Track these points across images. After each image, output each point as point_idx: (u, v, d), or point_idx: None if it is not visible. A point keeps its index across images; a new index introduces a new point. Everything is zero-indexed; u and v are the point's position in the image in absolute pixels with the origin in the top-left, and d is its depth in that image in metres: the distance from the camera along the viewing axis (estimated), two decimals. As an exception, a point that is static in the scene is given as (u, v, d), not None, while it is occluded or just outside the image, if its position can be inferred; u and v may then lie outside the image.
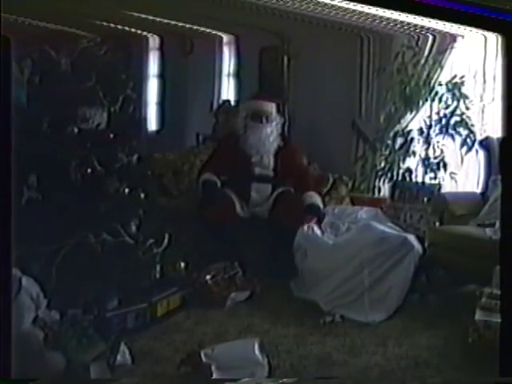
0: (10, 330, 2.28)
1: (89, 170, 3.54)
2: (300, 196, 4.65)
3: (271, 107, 4.80)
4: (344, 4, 4.20)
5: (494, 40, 4.90)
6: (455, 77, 4.94)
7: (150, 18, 6.23)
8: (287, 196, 4.66)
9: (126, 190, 3.66)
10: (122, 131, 3.73)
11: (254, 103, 4.89)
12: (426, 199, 4.75)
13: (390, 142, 5.27)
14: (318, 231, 4.33)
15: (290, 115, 6.02)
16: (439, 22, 4.28)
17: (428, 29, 4.80)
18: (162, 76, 8.13)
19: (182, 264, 3.98)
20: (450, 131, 4.91)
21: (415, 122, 5.23)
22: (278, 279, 4.26)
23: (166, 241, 3.78)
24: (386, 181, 5.34)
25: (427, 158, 5.01)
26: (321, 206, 4.61)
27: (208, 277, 4.02)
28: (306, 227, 4.31)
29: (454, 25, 4.38)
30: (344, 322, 3.69)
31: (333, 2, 4.22)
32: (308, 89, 6.00)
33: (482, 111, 5.04)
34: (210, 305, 3.87)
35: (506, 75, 2.60)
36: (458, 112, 4.88)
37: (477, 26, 3.63)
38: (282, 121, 4.89)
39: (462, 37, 5.01)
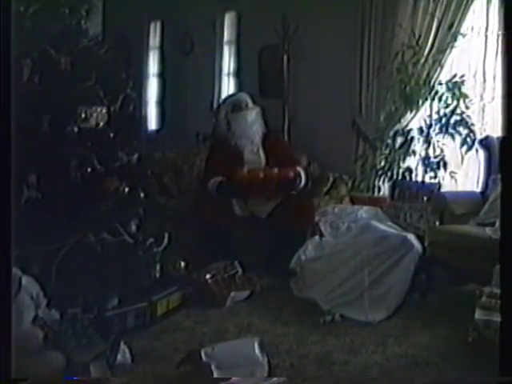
0: (10, 330, 2.27)
1: (89, 170, 3.54)
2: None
3: (245, 97, 4.94)
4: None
5: (494, 39, 4.92)
6: (455, 76, 4.93)
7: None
8: (295, 199, 4.67)
9: (126, 190, 3.66)
10: (122, 130, 3.73)
11: (229, 99, 5.08)
12: (425, 198, 4.74)
13: (389, 141, 5.27)
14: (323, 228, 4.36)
15: (290, 114, 6.03)
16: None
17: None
18: (161, 75, 8.13)
19: (182, 263, 3.99)
20: (450, 130, 4.90)
21: (415, 121, 5.22)
22: (279, 278, 4.28)
23: (165, 240, 3.78)
24: (386, 180, 5.33)
25: (427, 157, 5.01)
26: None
27: (208, 276, 4.02)
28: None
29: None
30: (344, 321, 3.69)
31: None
32: (308, 88, 6.00)
33: (482, 110, 5.04)
34: (210, 304, 3.87)
35: (506, 74, 2.59)
36: (458, 111, 4.88)
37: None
38: (260, 110, 4.93)
39: (463, 35, 5.02)
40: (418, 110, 5.17)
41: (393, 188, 5.09)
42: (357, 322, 3.66)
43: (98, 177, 3.57)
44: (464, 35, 5.03)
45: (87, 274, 3.42)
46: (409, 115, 5.23)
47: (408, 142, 5.13)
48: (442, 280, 4.04)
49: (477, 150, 4.83)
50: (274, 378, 2.90)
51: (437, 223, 4.47)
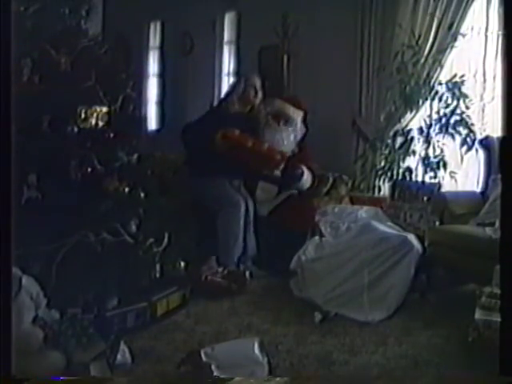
0: (10, 330, 2.27)
1: (89, 169, 3.54)
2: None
3: (294, 112, 4.85)
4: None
5: (494, 39, 4.92)
6: (455, 76, 4.93)
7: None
8: (297, 200, 4.68)
9: (126, 189, 3.66)
10: (122, 130, 3.73)
11: (279, 102, 4.91)
12: (425, 198, 4.74)
13: (389, 141, 5.27)
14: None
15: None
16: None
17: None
18: (161, 75, 8.13)
19: (182, 263, 3.99)
20: (450, 130, 4.90)
21: (415, 121, 5.22)
22: (279, 278, 4.28)
23: (165, 240, 3.78)
24: (386, 180, 5.33)
25: (427, 157, 5.00)
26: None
27: (208, 273, 4.03)
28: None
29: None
30: (344, 321, 3.69)
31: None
32: (308, 88, 6.00)
33: (482, 110, 5.04)
34: (211, 302, 3.88)
35: (506, 74, 2.59)
36: (457, 111, 4.88)
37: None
38: (303, 130, 4.94)
39: (463, 35, 5.02)
40: (417, 110, 5.17)
41: (393, 188, 5.09)
42: (357, 322, 3.66)
43: (97, 177, 3.57)
44: (464, 35, 5.03)
45: (87, 273, 3.42)
46: (409, 115, 5.23)
47: (408, 142, 5.13)
48: (442, 280, 4.04)
49: (477, 150, 4.83)
50: (275, 378, 2.90)
51: (437, 223, 4.47)
